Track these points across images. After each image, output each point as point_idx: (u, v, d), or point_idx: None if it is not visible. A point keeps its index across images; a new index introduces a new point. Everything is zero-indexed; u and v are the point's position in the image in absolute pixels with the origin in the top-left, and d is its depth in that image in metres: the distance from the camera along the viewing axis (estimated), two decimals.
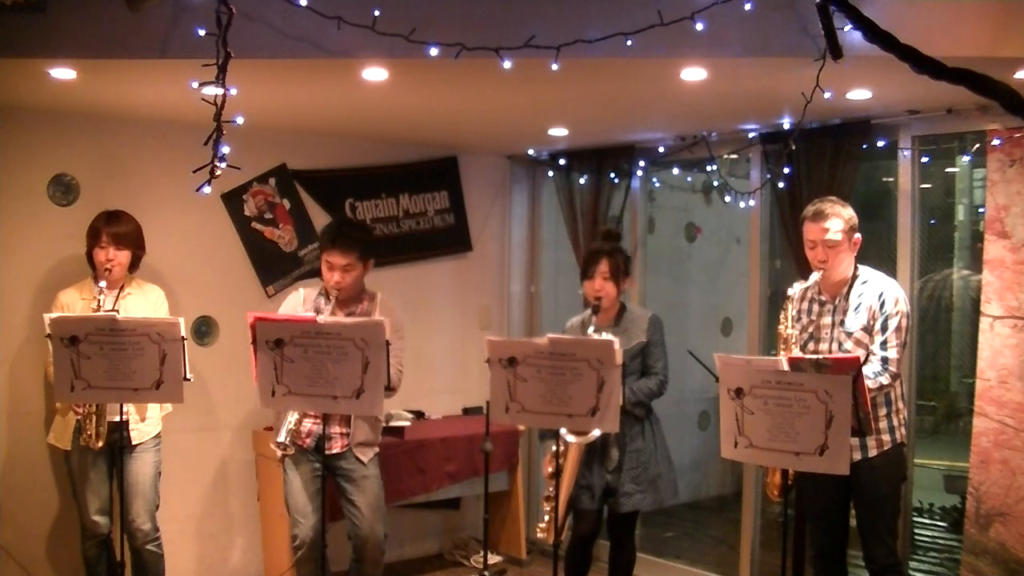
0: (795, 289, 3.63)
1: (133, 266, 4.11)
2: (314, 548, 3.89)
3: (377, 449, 4.08)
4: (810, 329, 3.63)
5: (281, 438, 3.76)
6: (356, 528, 3.99)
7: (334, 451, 3.94)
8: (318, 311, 3.95)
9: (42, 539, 4.38)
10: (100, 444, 3.86)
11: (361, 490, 3.98)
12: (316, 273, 4.29)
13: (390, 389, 3.70)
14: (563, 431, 3.76)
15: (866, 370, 3.33)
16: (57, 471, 4.32)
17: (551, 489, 3.89)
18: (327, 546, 3.78)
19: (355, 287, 3.98)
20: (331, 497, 4.00)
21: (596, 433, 3.78)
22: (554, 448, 3.86)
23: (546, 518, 3.89)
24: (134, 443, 4.01)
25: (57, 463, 4.28)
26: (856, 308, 3.51)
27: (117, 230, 4.00)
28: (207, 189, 2.75)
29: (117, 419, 3.89)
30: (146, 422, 4.07)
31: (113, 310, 3.81)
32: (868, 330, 3.48)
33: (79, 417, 3.89)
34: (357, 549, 4.03)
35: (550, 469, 3.88)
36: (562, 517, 3.89)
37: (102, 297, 3.83)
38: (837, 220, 3.50)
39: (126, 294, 4.04)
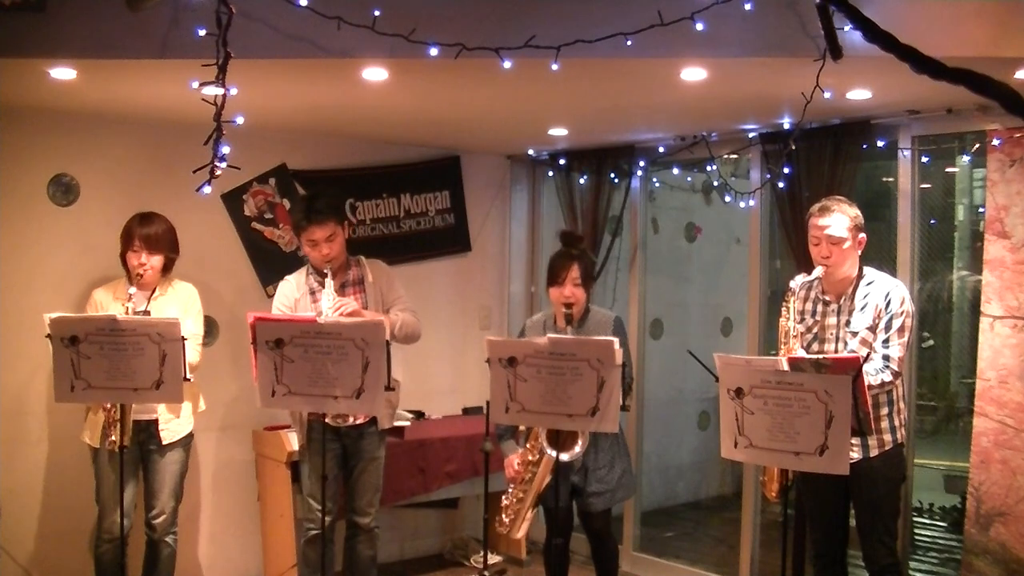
0: (797, 281, 3.61)
1: (166, 268, 4.09)
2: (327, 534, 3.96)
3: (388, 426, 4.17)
4: (815, 330, 3.62)
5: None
6: (354, 502, 4.08)
7: (356, 422, 3.97)
8: (313, 291, 3.98)
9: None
10: (126, 444, 3.73)
11: (367, 470, 4.06)
12: None
13: (414, 339, 4.08)
14: (548, 449, 3.70)
15: (868, 367, 3.34)
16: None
17: (511, 488, 3.88)
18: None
19: (343, 253, 4.02)
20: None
21: (578, 451, 3.72)
22: (529, 457, 3.83)
23: (508, 515, 3.92)
24: (164, 442, 4.01)
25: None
26: (862, 308, 3.51)
27: (150, 232, 3.99)
28: (207, 189, 2.75)
29: (143, 418, 3.91)
30: (177, 421, 4.04)
31: (145, 312, 3.80)
32: (873, 329, 3.47)
33: (106, 418, 3.82)
34: (351, 524, 4.11)
35: (523, 474, 3.85)
36: (530, 517, 3.90)
37: (131, 303, 3.79)
38: (842, 217, 3.50)
39: (157, 296, 4.01)
